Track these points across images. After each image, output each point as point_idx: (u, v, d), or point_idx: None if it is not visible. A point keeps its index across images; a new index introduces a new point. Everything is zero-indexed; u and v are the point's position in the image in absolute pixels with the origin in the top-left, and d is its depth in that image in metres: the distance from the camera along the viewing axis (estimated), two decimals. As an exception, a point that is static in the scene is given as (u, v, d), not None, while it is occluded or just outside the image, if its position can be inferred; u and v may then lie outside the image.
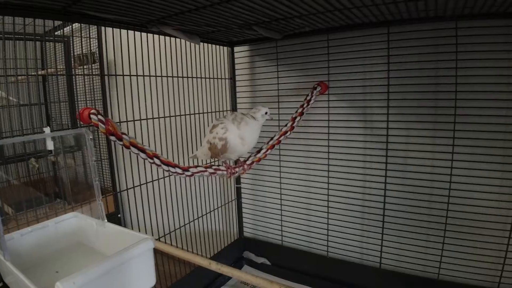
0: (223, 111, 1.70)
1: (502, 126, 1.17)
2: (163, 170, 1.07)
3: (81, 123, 0.88)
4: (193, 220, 1.59)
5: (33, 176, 2.13)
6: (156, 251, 0.92)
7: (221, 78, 1.67)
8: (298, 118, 1.29)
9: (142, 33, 1.25)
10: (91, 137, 0.94)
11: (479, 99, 1.18)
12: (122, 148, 1.22)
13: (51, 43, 2.35)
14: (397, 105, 1.32)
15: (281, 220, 1.71)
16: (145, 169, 1.32)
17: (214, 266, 1.12)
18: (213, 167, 1.13)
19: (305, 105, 1.31)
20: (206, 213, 1.66)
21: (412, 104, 1.29)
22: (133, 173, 1.31)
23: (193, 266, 1.54)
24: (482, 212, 1.22)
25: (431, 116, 1.28)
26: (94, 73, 2.21)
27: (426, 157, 1.31)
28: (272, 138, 1.25)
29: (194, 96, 1.56)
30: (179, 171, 1.07)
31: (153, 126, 1.35)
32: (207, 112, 1.63)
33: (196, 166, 1.11)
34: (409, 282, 1.40)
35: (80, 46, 2.23)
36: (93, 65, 2.21)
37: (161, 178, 1.41)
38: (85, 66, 2.23)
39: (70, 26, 2.25)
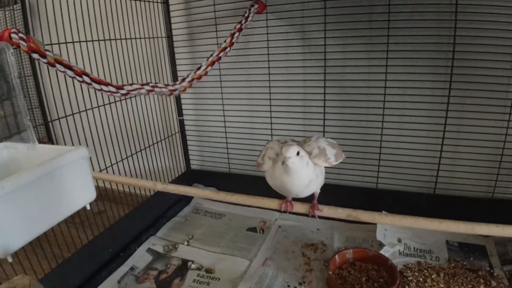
0: (155, 37, 1.59)
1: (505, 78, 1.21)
2: (95, 89, 0.99)
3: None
4: (136, 153, 1.53)
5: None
6: (99, 197, 0.87)
7: (151, 1, 1.55)
8: (237, 34, 1.25)
9: None
10: (12, 50, 0.83)
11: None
12: (49, 74, 1.11)
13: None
14: (335, 21, 1.32)
15: (227, 148, 1.72)
16: (76, 98, 1.22)
17: (160, 186, 1.11)
18: (150, 84, 1.07)
19: (243, 21, 1.27)
20: (149, 146, 1.61)
21: (347, 19, 1.30)
22: (64, 101, 1.20)
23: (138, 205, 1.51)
24: (480, 124, 1.25)
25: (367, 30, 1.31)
26: (16, 14, 1.99)
27: (363, 71, 1.35)
28: (211, 55, 1.21)
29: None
30: (113, 89, 1.00)
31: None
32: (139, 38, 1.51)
33: (131, 84, 1.04)
34: (405, 198, 1.43)
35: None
36: (14, 6, 1.98)
37: (95, 107, 1.32)
38: (6, 8, 1.99)
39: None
